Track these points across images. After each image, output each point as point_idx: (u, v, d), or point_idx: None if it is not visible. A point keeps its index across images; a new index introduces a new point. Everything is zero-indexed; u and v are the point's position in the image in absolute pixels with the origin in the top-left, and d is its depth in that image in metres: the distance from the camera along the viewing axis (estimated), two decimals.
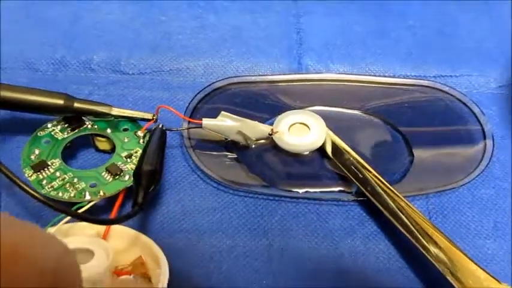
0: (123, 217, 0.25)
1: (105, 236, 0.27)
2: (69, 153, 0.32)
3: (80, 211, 0.27)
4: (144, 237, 0.27)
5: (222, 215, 0.30)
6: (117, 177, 0.28)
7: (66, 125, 0.31)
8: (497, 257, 0.30)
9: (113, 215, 0.28)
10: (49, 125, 0.31)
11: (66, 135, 0.31)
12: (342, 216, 0.31)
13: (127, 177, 0.29)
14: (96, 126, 0.31)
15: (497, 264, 0.29)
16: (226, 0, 0.41)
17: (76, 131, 0.31)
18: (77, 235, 0.26)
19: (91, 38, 0.38)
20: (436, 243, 0.27)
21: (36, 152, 0.29)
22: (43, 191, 0.27)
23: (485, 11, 0.41)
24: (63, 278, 0.16)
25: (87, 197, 0.27)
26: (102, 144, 0.31)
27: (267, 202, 0.31)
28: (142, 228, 0.30)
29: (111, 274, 0.25)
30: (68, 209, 0.23)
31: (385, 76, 0.37)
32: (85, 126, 0.31)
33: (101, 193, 0.28)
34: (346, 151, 0.31)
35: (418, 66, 0.38)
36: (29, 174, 0.28)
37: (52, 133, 0.31)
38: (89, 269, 0.23)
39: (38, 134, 0.31)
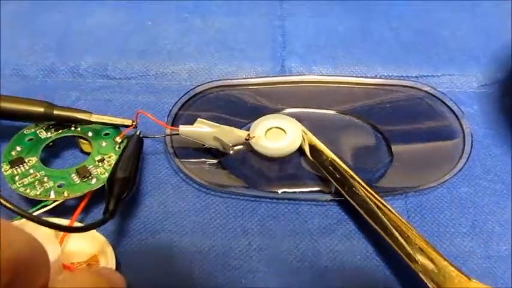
0: (92, 225, 0.26)
1: (64, 235, 0.28)
2: (54, 152, 0.33)
3: (43, 210, 0.28)
4: (101, 237, 0.28)
5: (203, 215, 0.31)
6: (85, 179, 0.29)
7: (51, 126, 0.32)
8: (474, 255, 0.30)
9: (74, 217, 0.28)
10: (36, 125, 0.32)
11: (49, 135, 0.32)
12: (321, 216, 0.31)
13: (94, 180, 0.29)
14: (79, 129, 0.32)
15: (474, 262, 0.30)
16: (213, 4, 0.42)
17: (60, 131, 0.32)
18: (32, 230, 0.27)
19: (80, 43, 0.39)
20: (411, 242, 0.27)
21: (18, 148, 0.31)
22: (13, 186, 0.29)
23: (467, 11, 0.42)
24: (27, 267, 0.16)
25: (52, 196, 0.28)
26: (86, 147, 0.32)
27: (248, 203, 0.32)
28: (125, 228, 0.30)
29: (58, 270, 0.26)
30: (30, 214, 0.23)
31: (366, 77, 0.37)
32: (69, 127, 0.32)
33: (65, 193, 0.28)
34: (323, 152, 0.32)
35: (400, 67, 0.38)
36: (5, 169, 0.29)
37: (37, 132, 0.32)
38: None
39: (25, 131, 0.32)
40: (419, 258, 0.27)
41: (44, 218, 0.28)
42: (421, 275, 0.26)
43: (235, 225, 0.31)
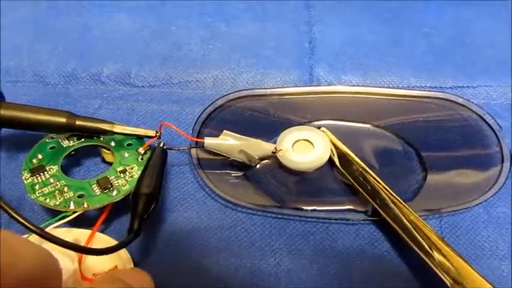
0: (117, 246, 0.25)
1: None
2: (75, 161, 0.32)
3: (63, 221, 0.27)
4: (122, 251, 0.27)
5: (230, 233, 0.30)
6: (106, 191, 0.28)
7: (73, 134, 0.31)
8: None
9: (93, 231, 0.28)
10: None
11: (71, 144, 0.31)
12: (352, 235, 0.30)
13: (115, 192, 0.28)
14: (102, 138, 0.31)
15: None
16: (238, 9, 0.41)
17: (82, 140, 0.31)
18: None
19: (101, 49, 0.38)
20: (450, 261, 0.26)
21: (39, 156, 0.30)
22: (33, 196, 0.28)
23: (504, 18, 0.40)
24: (39, 280, 0.17)
25: (71, 207, 0.27)
26: (108, 157, 0.31)
27: (275, 221, 0.31)
28: (149, 245, 0.30)
29: (75, 281, 0.25)
30: (58, 238, 0.22)
31: (398, 88, 0.36)
32: (91, 137, 0.31)
33: (85, 205, 0.28)
34: (354, 161, 0.31)
35: (433, 77, 0.36)
36: (26, 177, 0.29)
37: (59, 140, 0.31)
38: None
39: (47, 139, 0.31)
40: (462, 281, 0.25)
41: (66, 229, 0.28)
42: None
43: (262, 244, 0.30)
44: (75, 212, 0.28)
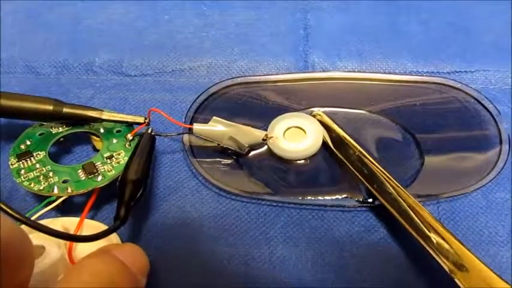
0: (102, 233, 0.24)
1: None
2: (66, 148, 0.32)
3: (49, 207, 0.27)
4: (115, 237, 0.27)
5: (224, 221, 0.30)
6: (91, 176, 0.28)
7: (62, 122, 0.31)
8: None
9: (82, 218, 0.27)
10: None
11: (60, 130, 0.31)
12: (348, 222, 0.29)
13: (100, 177, 0.28)
14: (91, 125, 0.31)
15: None
16: None
17: (71, 127, 0.31)
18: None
19: (93, 39, 0.38)
20: (449, 245, 0.25)
21: (28, 142, 0.30)
22: (18, 180, 0.28)
23: (503, 2, 0.39)
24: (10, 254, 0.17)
25: (55, 191, 0.27)
26: (99, 144, 0.31)
27: (270, 208, 0.30)
28: (141, 234, 0.29)
29: (65, 266, 0.25)
30: (43, 226, 0.22)
31: (395, 73, 0.35)
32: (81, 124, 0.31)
33: (69, 189, 0.27)
34: (351, 145, 0.30)
35: (430, 62, 0.36)
36: (12, 163, 0.29)
37: (49, 126, 0.31)
38: (39, 265, 0.24)
39: (36, 126, 0.31)
40: (463, 266, 0.25)
41: (54, 218, 0.28)
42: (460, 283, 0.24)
43: (256, 232, 0.29)
44: (60, 197, 0.27)
